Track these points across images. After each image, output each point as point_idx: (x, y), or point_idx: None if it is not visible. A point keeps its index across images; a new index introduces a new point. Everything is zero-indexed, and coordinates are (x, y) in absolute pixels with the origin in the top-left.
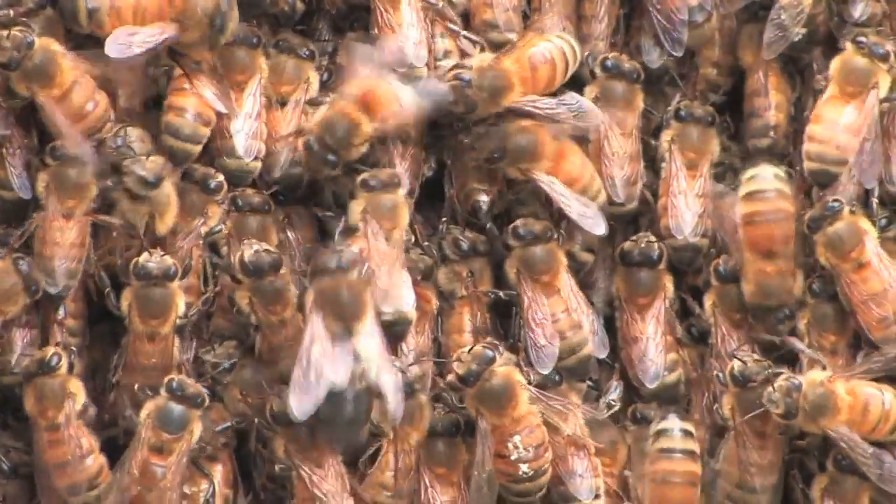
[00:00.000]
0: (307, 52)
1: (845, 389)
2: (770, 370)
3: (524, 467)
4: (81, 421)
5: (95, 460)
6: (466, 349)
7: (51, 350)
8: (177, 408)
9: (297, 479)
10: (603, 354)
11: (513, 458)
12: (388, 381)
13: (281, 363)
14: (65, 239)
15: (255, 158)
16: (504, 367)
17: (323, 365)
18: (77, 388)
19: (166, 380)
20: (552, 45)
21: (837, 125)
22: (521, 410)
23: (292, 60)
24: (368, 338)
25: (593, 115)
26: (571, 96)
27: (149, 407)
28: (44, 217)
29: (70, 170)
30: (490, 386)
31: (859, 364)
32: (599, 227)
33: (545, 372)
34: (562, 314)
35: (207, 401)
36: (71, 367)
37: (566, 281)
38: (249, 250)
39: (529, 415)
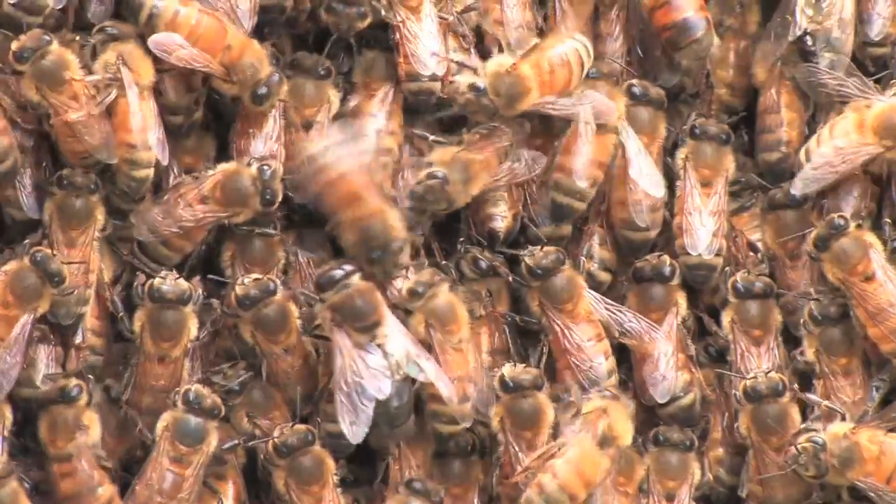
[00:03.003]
0: (324, 71)
1: (868, 438)
2: (782, 383)
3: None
4: (93, 453)
5: (106, 490)
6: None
7: (73, 381)
8: (194, 420)
9: None
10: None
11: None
12: (429, 367)
13: (289, 388)
14: (68, 267)
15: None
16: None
17: (362, 383)
18: (91, 420)
19: (183, 390)
20: (568, 46)
21: None
22: (543, 437)
23: (310, 82)
24: (395, 336)
25: (609, 112)
26: (588, 94)
27: (166, 419)
28: (47, 245)
29: (75, 199)
30: (521, 406)
31: (883, 413)
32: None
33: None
34: (587, 342)
35: (223, 412)
36: (89, 400)
37: (592, 301)
38: (241, 285)
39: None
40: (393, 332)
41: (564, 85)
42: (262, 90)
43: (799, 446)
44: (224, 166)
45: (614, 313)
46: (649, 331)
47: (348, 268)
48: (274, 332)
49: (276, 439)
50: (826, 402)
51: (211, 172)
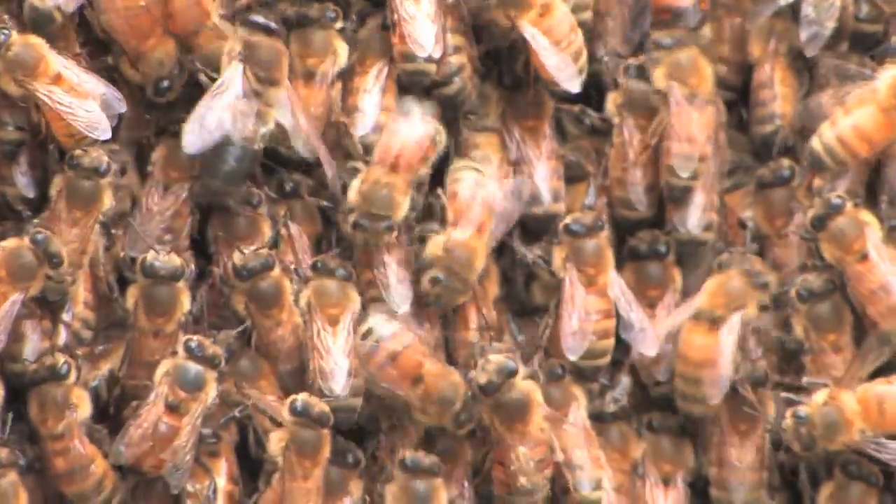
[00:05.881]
0: (332, 14)
1: (855, 399)
2: (764, 372)
3: (523, 480)
4: (83, 431)
5: (99, 465)
6: (490, 357)
7: (62, 358)
8: (194, 367)
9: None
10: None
11: (513, 468)
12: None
13: (276, 360)
14: (66, 245)
15: None
16: (525, 382)
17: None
18: (81, 398)
19: (184, 339)
20: None
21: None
22: (533, 427)
23: (317, 31)
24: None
25: None
26: None
27: (166, 365)
28: (48, 218)
29: (84, 182)
30: (508, 399)
31: (853, 367)
32: (573, 84)
33: (573, 359)
34: (595, 315)
35: (224, 364)
36: (78, 377)
37: (615, 281)
38: (240, 255)
39: (539, 431)
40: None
41: None
42: (165, 84)
43: (784, 424)
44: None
45: (623, 297)
46: (651, 331)
47: None
48: (268, 307)
49: (236, 262)
50: (805, 380)
51: None
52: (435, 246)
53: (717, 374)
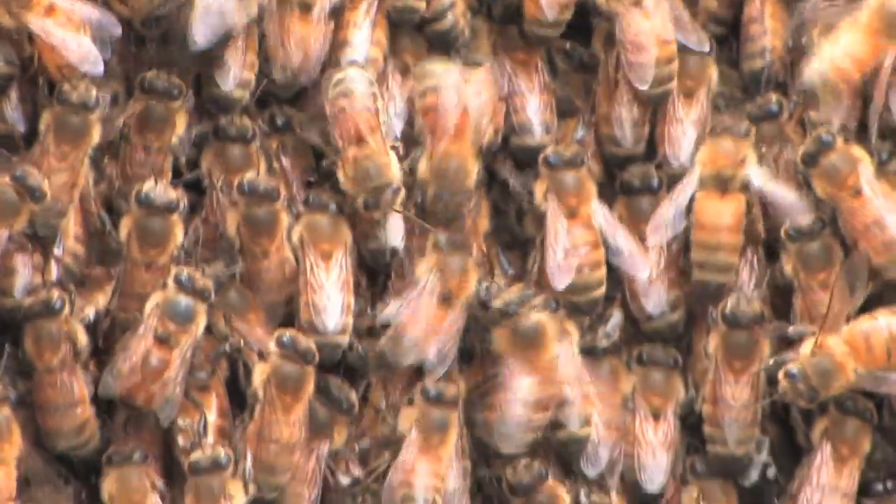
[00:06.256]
0: None
1: (842, 340)
2: (761, 314)
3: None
4: (78, 365)
5: (85, 410)
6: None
7: (56, 292)
8: (185, 299)
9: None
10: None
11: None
12: None
13: (258, 291)
14: (53, 180)
15: (241, 87)
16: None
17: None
18: (76, 330)
19: (174, 271)
20: None
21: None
22: (546, 357)
23: None
24: None
25: None
26: None
27: (156, 297)
28: (38, 153)
29: (73, 115)
30: (523, 326)
31: (836, 308)
32: (552, 12)
33: (560, 288)
34: (583, 247)
35: (213, 296)
36: (72, 311)
37: (598, 211)
38: (251, 175)
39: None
40: None
41: None
42: (162, 10)
43: (781, 385)
44: None
45: (608, 224)
46: (641, 253)
47: None
48: (259, 234)
49: (244, 178)
50: (792, 328)
51: None
52: (423, 168)
53: (736, 239)
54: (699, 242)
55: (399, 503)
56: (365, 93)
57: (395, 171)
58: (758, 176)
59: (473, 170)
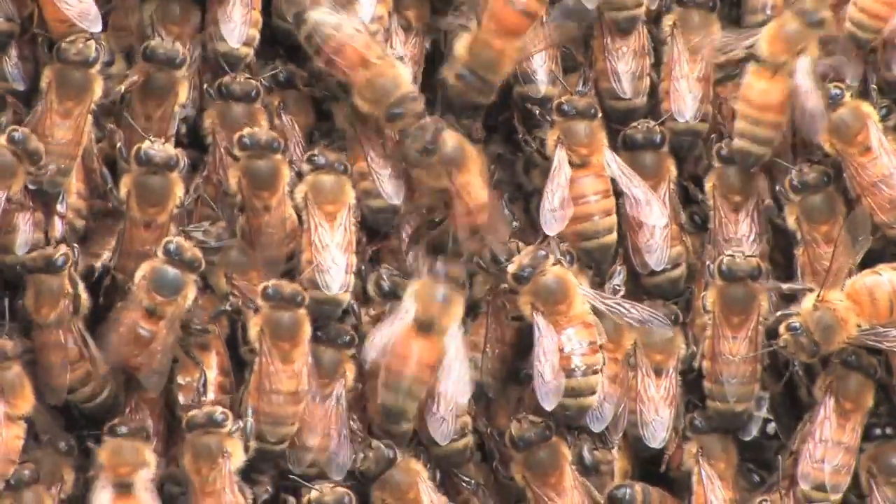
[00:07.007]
0: None
1: (844, 295)
2: (758, 268)
3: (577, 360)
4: (76, 320)
5: (81, 367)
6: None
7: (62, 248)
8: (172, 271)
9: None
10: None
11: (566, 350)
12: None
13: (255, 245)
14: (57, 137)
15: (246, 44)
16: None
17: None
18: (78, 287)
19: (164, 242)
20: None
21: None
22: (576, 308)
23: None
24: None
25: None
26: None
27: (144, 268)
28: (41, 111)
29: (74, 71)
30: (545, 281)
31: (838, 263)
32: None
33: (552, 233)
34: (593, 196)
35: (203, 265)
36: (75, 268)
37: (612, 161)
38: (250, 129)
39: (584, 313)
40: None
41: None
42: None
43: (781, 340)
44: None
45: (623, 174)
46: (657, 202)
47: None
48: (261, 187)
49: (245, 132)
50: (787, 285)
51: None
52: (461, 46)
53: (779, 119)
54: (744, 114)
55: None
56: (348, 23)
57: (408, 80)
58: (804, 69)
59: (505, 72)
